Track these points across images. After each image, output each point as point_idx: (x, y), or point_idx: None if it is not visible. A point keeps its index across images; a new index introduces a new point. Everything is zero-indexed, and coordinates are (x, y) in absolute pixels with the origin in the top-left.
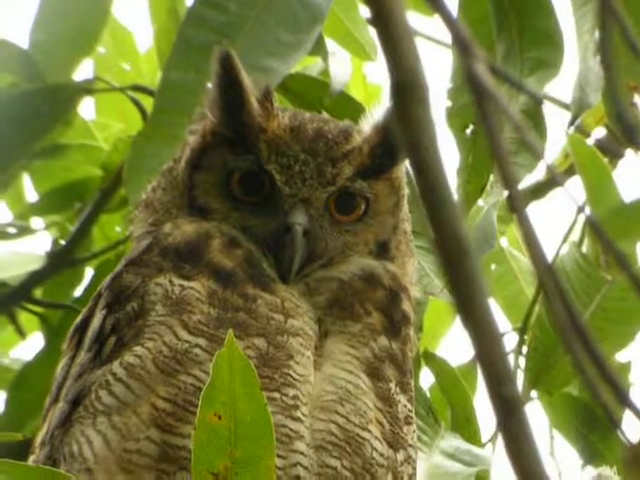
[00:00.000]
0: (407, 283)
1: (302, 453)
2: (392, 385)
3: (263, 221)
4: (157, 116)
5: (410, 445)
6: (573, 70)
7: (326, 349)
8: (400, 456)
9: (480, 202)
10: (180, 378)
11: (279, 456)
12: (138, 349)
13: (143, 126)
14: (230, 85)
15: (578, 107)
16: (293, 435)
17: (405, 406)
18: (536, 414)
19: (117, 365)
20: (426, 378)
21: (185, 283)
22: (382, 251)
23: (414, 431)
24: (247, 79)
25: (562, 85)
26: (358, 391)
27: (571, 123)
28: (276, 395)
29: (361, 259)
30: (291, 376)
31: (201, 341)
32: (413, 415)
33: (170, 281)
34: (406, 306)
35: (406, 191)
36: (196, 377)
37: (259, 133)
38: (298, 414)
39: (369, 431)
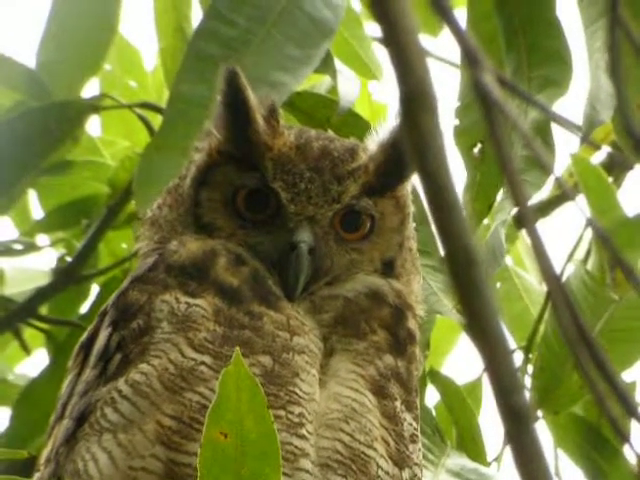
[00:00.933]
0: (412, 301)
1: (307, 471)
2: (397, 403)
3: (269, 239)
4: (167, 128)
5: (416, 464)
6: (582, 89)
7: (331, 367)
8: (405, 474)
9: (485, 221)
10: (186, 396)
11: (284, 474)
12: (144, 366)
13: (153, 138)
14: (236, 103)
15: (589, 124)
16: (298, 453)
17: (410, 424)
18: (541, 433)
19: (123, 382)
20: (432, 396)
21: (191, 301)
22: (388, 269)
23: (419, 449)
24: (253, 97)
25: (568, 105)
26: (363, 409)
27: (582, 140)
28: (282, 413)
29: (366, 277)
30: (296, 394)
31: (207, 359)
32: (418, 434)
33: (176, 298)
34: (411, 324)
35: (412, 209)
36: (202, 395)
37: (265, 151)
38: (303, 432)
39: (374, 449)
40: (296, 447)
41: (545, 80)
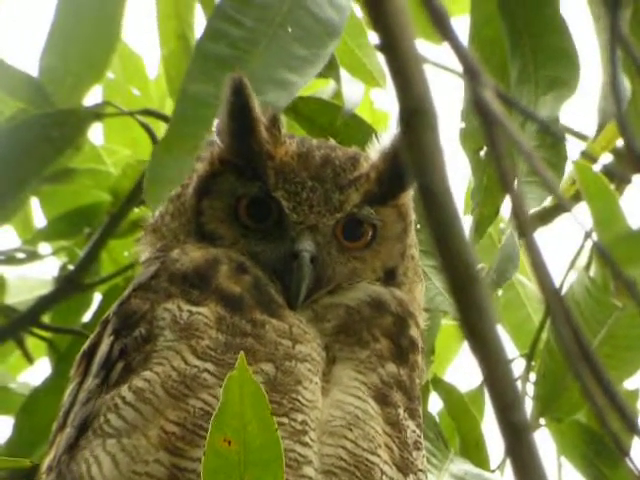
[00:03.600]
0: (415, 310)
1: (311, 478)
2: (400, 411)
3: (271, 247)
4: (176, 127)
5: (420, 470)
6: (591, 87)
7: (334, 375)
8: None
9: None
10: (189, 402)
11: None
12: (147, 374)
13: (162, 137)
14: (240, 112)
15: (603, 116)
16: (302, 460)
17: (414, 432)
18: (544, 441)
19: (126, 389)
20: (435, 403)
21: (193, 309)
22: (389, 277)
23: (423, 456)
24: (257, 106)
25: (573, 112)
26: (366, 416)
27: (598, 132)
28: (285, 420)
29: (369, 285)
30: (299, 401)
31: (209, 366)
32: (422, 441)
33: (178, 307)
34: (414, 332)
35: (413, 217)
36: (205, 401)
37: (267, 160)
38: (307, 439)
39: (378, 455)
40: (299, 454)
41: (552, 80)
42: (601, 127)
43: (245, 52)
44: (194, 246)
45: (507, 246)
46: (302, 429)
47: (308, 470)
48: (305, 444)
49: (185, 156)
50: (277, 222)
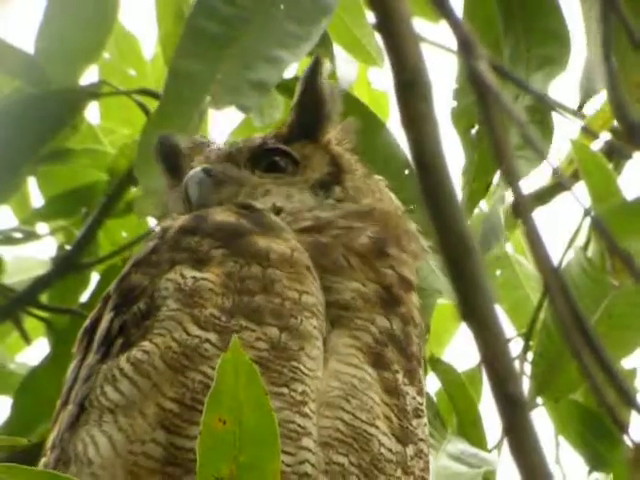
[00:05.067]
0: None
1: (310, 450)
2: (399, 376)
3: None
4: (166, 104)
5: (421, 439)
6: (580, 64)
7: (331, 342)
8: (410, 450)
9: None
10: (189, 375)
11: (287, 453)
12: (146, 344)
13: (152, 113)
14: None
15: (585, 93)
16: (301, 431)
17: (414, 398)
18: (542, 421)
19: (124, 360)
20: (432, 383)
21: (198, 274)
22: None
23: (425, 424)
24: (185, 143)
25: (568, 83)
26: (364, 385)
27: (579, 108)
28: (284, 390)
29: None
30: (300, 370)
31: (212, 336)
32: (424, 408)
33: (181, 274)
34: (395, 253)
35: (350, 161)
36: (205, 374)
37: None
38: (306, 410)
39: (376, 427)
40: (299, 425)
41: (543, 59)
42: (582, 104)
43: (236, 30)
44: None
45: (490, 218)
46: (302, 400)
47: (307, 442)
48: (305, 415)
49: (174, 131)
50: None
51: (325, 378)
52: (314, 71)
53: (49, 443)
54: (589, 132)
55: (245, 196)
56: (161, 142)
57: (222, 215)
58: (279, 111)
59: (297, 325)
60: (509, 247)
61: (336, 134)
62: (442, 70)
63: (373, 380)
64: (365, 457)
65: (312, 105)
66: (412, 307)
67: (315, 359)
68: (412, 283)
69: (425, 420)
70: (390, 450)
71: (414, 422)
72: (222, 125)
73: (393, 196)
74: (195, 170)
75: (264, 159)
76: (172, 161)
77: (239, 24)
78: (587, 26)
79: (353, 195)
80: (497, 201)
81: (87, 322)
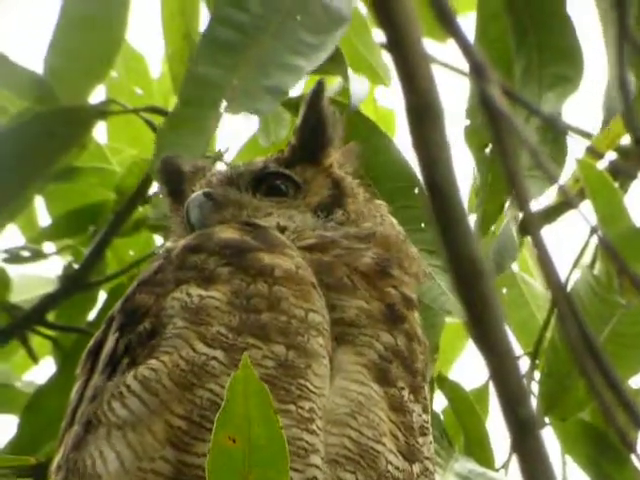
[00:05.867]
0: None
1: (318, 467)
2: (405, 393)
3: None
4: (182, 108)
5: (427, 457)
6: (595, 85)
7: (336, 361)
8: (416, 468)
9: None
10: (196, 393)
11: (296, 470)
12: (154, 362)
13: (167, 117)
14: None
15: (608, 113)
16: (309, 449)
17: (420, 415)
18: (549, 440)
19: (131, 377)
20: (439, 401)
21: (204, 293)
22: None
23: (431, 442)
24: (187, 167)
25: (581, 102)
26: (370, 402)
27: (602, 129)
28: (292, 408)
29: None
30: (307, 388)
31: (219, 353)
32: (429, 426)
33: (187, 293)
34: (398, 274)
35: (351, 183)
36: (213, 391)
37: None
38: (314, 427)
39: (383, 444)
40: (307, 443)
41: (556, 77)
42: (605, 124)
43: (251, 37)
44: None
45: (504, 236)
46: (309, 417)
47: (315, 459)
48: (312, 432)
49: (190, 137)
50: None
51: (331, 395)
52: (317, 95)
53: (54, 465)
54: (594, 152)
55: (247, 218)
56: (164, 165)
57: (226, 232)
58: (286, 129)
59: (304, 343)
60: (515, 266)
61: (338, 157)
62: (453, 89)
63: (379, 397)
64: (372, 474)
65: (314, 129)
66: (415, 325)
67: (322, 377)
68: (414, 302)
69: (431, 438)
70: (397, 468)
71: (420, 440)
72: (228, 142)
73: (394, 221)
74: (196, 194)
75: (265, 183)
76: (175, 184)
77: (254, 32)
78: (607, 45)
79: (355, 218)
80: (510, 221)
81: (91, 343)
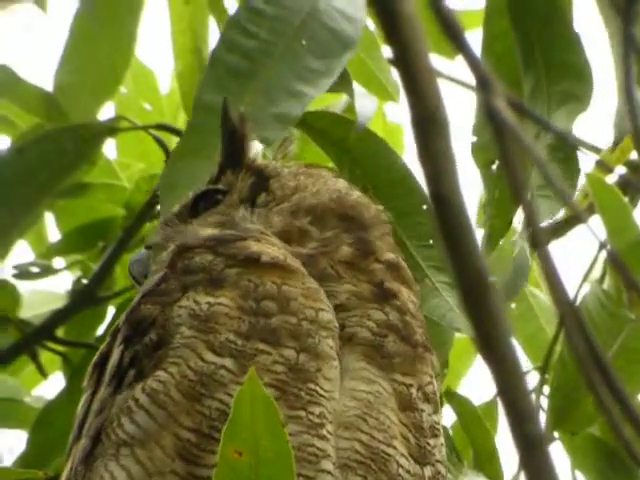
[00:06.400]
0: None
1: (329, 472)
2: (413, 390)
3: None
4: (190, 136)
5: (438, 460)
6: (604, 103)
7: (344, 360)
8: (427, 472)
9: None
10: (205, 403)
11: (306, 476)
12: (161, 374)
13: (177, 145)
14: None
15: (619, 131)
16: (320, 454)
17: (430, 415)
18: (558, 455)
19: (139, 391)
20: (448, 416)
21: (212, 300)
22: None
23: (442, 444)
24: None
25: (592, 120)
26: (379, 401)
27: (614, 147)
28: (302, 413)
29: None
30: (317, 392)
31: (227, 362)
32: (440, 428)
33: (195, 301)
34: (376, 238)
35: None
36: (222, 401)
37: None
38: (324, 432)
39: (394, 447)
40: (318, 448)
41: (565, 95)
42: (617, 142)
43: (259, 63)
44: None
45: (519, 258)
46: (320, 422)
47: (326, 464)
48: (323, 437)
49: (199, 164)
50: None
51: (341, 398)
52: (224, 113)
53: (63, 479)
54: (604, 166)
55: None
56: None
57: (207, 231)
58: (294, 145)
59: (315, 345)
60: None
61: (261, 152)
62: (460, 105)
63: (388, 394)
64: (383, 478)
65: (228, 140)
66: (406, 300)
67: (332, 380)
68: (398, 264)
69: (442, 440)
70: (408, 472)
71: (431, 441)
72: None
73: (340, 181)
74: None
75: (199, 206)
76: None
77: (261, 58)
78: (618, 64)
79: (281, 194)
80: (522, 240)
81: (96, 356)
